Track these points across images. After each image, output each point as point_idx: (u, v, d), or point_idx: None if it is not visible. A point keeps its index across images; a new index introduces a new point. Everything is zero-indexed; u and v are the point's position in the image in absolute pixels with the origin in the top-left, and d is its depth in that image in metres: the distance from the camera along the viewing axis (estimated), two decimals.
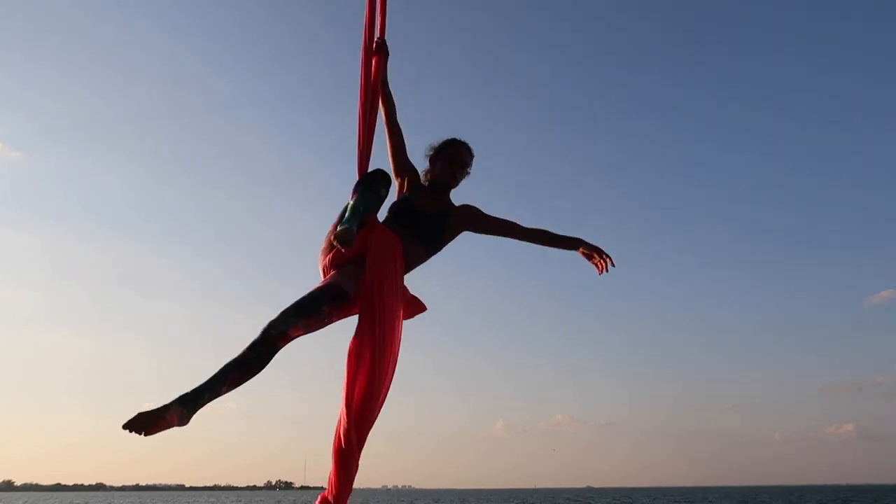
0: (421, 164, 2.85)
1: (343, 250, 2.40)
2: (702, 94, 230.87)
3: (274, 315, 2.25)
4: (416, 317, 2.65)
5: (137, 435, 2.00)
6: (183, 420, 2.08)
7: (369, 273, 2.41)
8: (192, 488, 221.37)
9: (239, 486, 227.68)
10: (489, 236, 2.81)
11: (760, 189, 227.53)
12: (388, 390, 2.44)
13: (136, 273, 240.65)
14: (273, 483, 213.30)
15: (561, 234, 2.80)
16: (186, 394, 2.09)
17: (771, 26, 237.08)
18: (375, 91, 2.80)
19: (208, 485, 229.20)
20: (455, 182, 2.78)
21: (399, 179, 2.82)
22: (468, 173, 2.82)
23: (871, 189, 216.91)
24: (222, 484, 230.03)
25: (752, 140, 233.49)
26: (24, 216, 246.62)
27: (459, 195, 2.82)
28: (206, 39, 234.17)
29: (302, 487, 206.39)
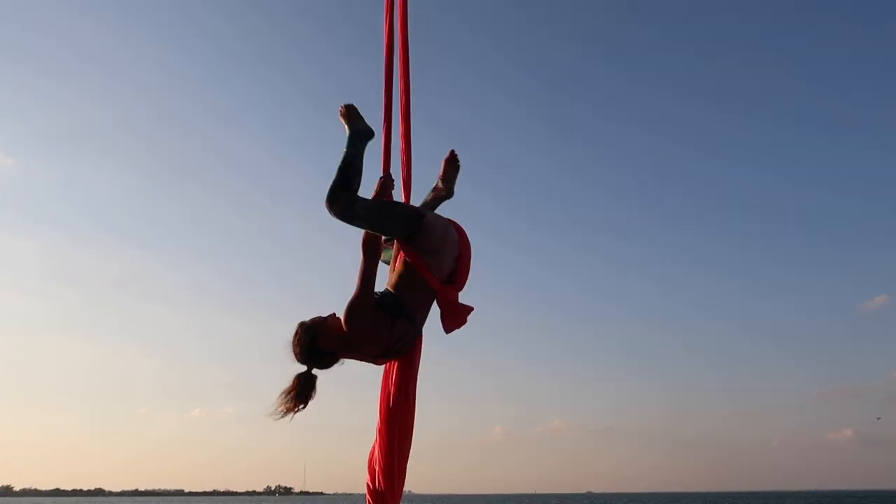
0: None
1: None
2: (712, 90, 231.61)
3: None
4: None
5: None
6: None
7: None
8: (191, 493, 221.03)
9: (238, 490, 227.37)
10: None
11: (753, 197, 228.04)
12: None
13: (132, 278, 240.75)
14: (272, 488, 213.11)
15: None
16: None
17: (770, 41, 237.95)
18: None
19: (207, 490, 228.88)
20: None
21: None
22: None
23: (864, 195, 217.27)
24: (221, 489, 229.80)
25: (747, 149, 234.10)
26: (18, 222, 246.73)
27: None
28: (201, 45, 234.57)
29: (301, 493, 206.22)
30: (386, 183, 2.70)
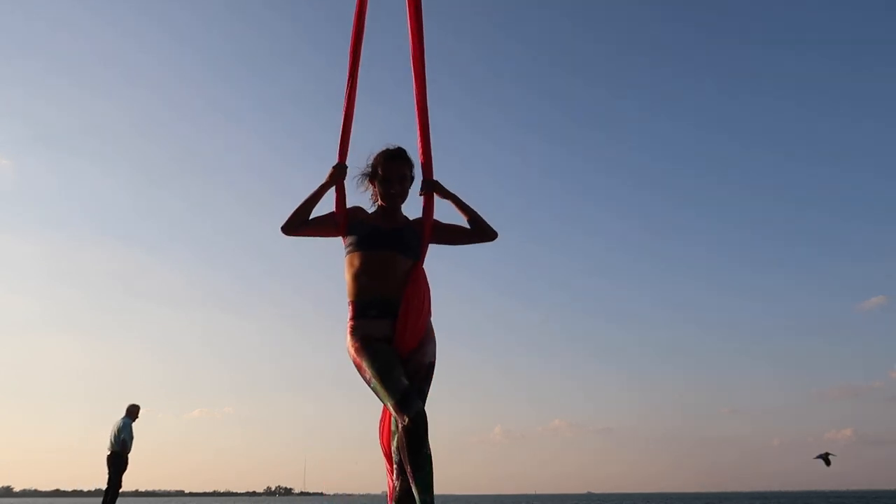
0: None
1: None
2: (707, 96, 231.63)
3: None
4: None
5: None
6: None
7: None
8: (191, 494, 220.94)
9: (238, 491, 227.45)
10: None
11: (756, 194, 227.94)
12: None
13: (132, 278, 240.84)
14: (272, 489, 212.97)
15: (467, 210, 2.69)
16: None
17: (777, 24, 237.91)
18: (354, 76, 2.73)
19: (208, 491, 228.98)
20: (400, 199, 2.62)
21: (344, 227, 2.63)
22: (412, 178, 2.64)
23: (860, 195, 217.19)
24: (222, 490, 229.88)
25: (748, 146, 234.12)
26: (17, 222, 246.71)
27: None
28: (204, 42, 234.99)
29: (301, 493, 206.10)
30: (338, 172, 2.60)
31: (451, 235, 2.68)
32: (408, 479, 2.25)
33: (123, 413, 9.62)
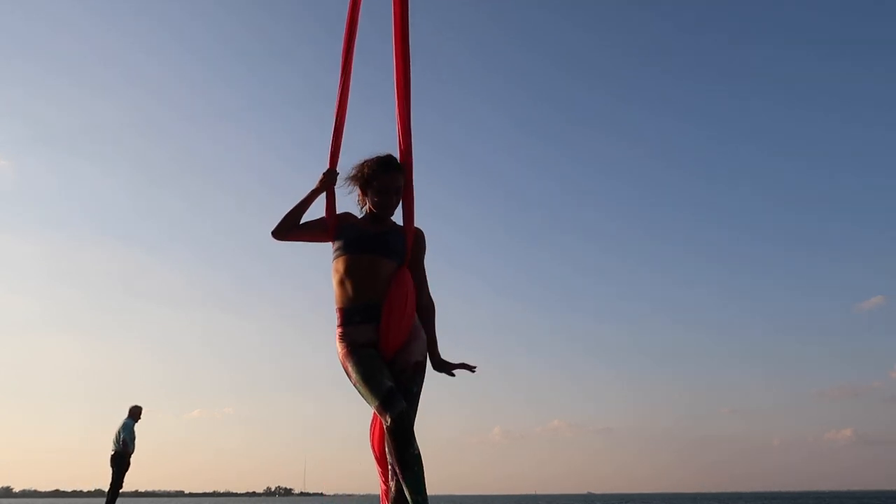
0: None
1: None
2: (702, 95, 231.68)
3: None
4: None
5: None
6: None
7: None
8: (191, 494, 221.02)
9: (238, 492, 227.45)
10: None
11: (755, 194, 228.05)
12: None
13: (133, 277, 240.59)
14: (272, 489, 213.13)
15: (433, 331, 2.60)
16: None
17: (772, 24, 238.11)
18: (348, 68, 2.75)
19: (208, 491, 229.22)
20: (394, 209, 2.61)
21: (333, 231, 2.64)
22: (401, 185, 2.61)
23: (860, 195, 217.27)
24: (221, 490, 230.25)
25: (748, 146, 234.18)
26: (17, 222, 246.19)
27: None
28: (204, 42, 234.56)
29: (301, 494, 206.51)
30: (328, 178, 2.64)
31: (414, 271, 2.62)
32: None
33: (126, 414, 9.81)
